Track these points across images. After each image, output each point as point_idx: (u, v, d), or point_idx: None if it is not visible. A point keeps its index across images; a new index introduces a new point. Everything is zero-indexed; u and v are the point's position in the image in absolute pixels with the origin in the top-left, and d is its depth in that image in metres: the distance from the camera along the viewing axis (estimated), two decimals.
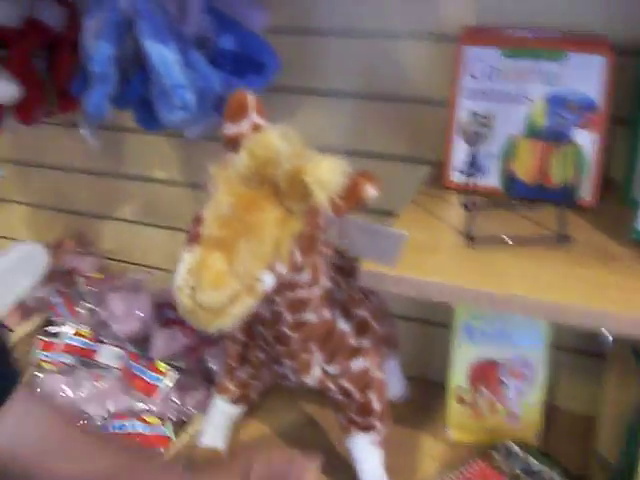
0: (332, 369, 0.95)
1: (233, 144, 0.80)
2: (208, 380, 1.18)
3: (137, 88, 1.02)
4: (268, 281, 0.77)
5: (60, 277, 1.41)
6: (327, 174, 0.73)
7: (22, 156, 1.52)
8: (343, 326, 0.94)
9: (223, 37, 1.10)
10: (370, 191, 0.77)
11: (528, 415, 1.12)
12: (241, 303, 0.75)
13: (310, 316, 0.89)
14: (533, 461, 1.05)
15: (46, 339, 1.26)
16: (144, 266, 1.47)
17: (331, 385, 0.97)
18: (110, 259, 1.51)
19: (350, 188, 0.76)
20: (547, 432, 1.13)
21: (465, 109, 0.98)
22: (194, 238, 0.76)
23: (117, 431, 1.07)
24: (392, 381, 1.16)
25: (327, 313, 0.91)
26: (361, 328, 0.97)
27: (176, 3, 1.05)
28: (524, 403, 1.11)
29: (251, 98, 0.83)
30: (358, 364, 0.96)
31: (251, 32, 1.10)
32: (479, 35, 0.99)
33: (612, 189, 0.98)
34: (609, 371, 1.02)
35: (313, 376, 0.95)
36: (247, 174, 0.76)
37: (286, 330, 0.90)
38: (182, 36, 1.05)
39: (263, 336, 0.94)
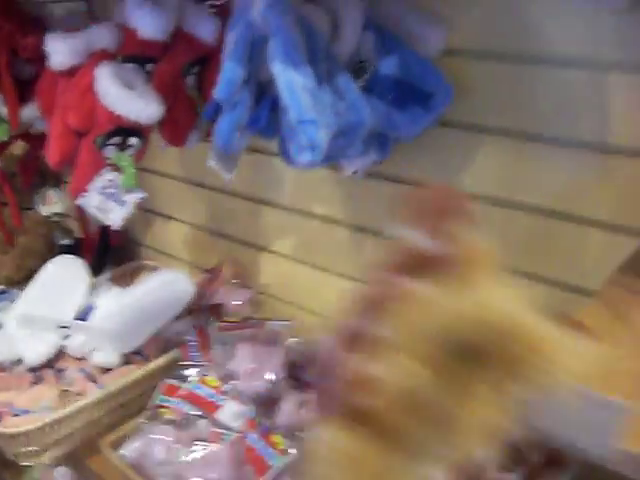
0: None
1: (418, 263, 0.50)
2: None
3: (262, 115, 0.86)
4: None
5: (204, 312, 1.30)
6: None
7: (187, 174, 1.44)
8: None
9: (385, 60, 0.91)
10: None
11: None
12: None
13: None
14: None
15: (170, 382, 1.14)
16: (296, 306, 1.32)
17: None
18: (262, 293, 1.38)
19: None
20: None
21: None
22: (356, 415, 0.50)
23: None
24: None
25: None
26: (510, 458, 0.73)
27: (328, 19, 0.88)
28: None
29: (458, 199, 0.53)
30: None
31: (418, 55, 0.90)
32: None
33: None
34: None
35: None
36: (452, 336, 0.48)
37: None
38: (332, 57, 0.87)
39: None
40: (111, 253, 1.56)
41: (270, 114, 0.86)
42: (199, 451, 1.01)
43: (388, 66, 0.91)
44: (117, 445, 1.08)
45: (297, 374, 1.10)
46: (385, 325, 0.49)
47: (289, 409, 1.04)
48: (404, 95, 0.91)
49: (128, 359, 1.26)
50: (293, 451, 0.98)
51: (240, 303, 1.31)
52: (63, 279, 1.30)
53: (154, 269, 1.47)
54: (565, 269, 0.93)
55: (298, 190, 1.26)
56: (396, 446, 0.48)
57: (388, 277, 0.50)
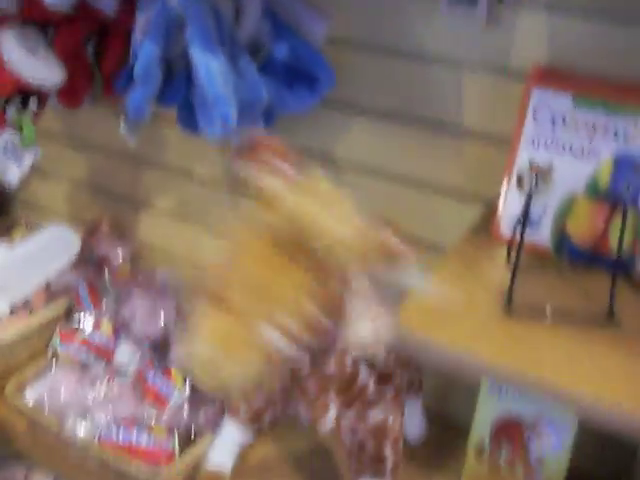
0: (348, 418, 0.91)
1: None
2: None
3: (180, 90, 0.97)
4: (275, 338, 0.71)
5: (90, 264, 1.38)
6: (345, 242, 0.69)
7: (69, 133, 1.49)
8: (365, 376, 0.90)
9: (277, 45, 1.04)
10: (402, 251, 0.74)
11: None
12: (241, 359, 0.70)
13: (330, 365, 0.85)
14: None
15: (66, 330, 1.24)
16: (175, 260, 1.43)
17: (345, 433, 0.92)
18: (143, 248, 1.48)
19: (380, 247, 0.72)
20: None
21: (525, 156, 0.90)
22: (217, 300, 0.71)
23: (120, 439, 1.05)
24: (412, 423, 1.11)
25: (349, 362, 0.87)
26: (383, 378, 0.92)
27: (232, 6, 1.00)
28: (546, 468, 1.04)
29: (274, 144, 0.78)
30: (375, 415, 0.91)
31: (306, 43, 1.05)
32: (550, 77, 0.90)
33: None
34: None
35: (327, 423, 0.91)
36: (275, 233, 0.71)
37: (303, 376, 0.85)
38: (235, 41, 0.99)
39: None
40: None
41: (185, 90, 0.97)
42: (101, 391, 1.12)
43: (280, 51, 1.04)
44: (18, 390, 1.15)
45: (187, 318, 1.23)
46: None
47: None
48: (293, 77, 1.05)
49: (14, 310, 1.32)
50: (189, 386, 1.11)
51: (122, 256, 1.41)
52: None
53: (32, 224, 1.52)
54: (424, 229, 1.12)
55: (180, 152, 1.36)
56: (241, 317, 0.69)
57: None
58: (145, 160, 1.41)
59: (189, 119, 1.02)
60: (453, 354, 0.74)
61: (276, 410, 0.99)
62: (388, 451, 0.93)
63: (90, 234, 1.45)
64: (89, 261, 1.39)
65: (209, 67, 0.90)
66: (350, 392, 0.88)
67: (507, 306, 0.79)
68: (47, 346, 1.25)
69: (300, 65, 1.05)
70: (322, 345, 0.79)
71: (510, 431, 1.05)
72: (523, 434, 1.04)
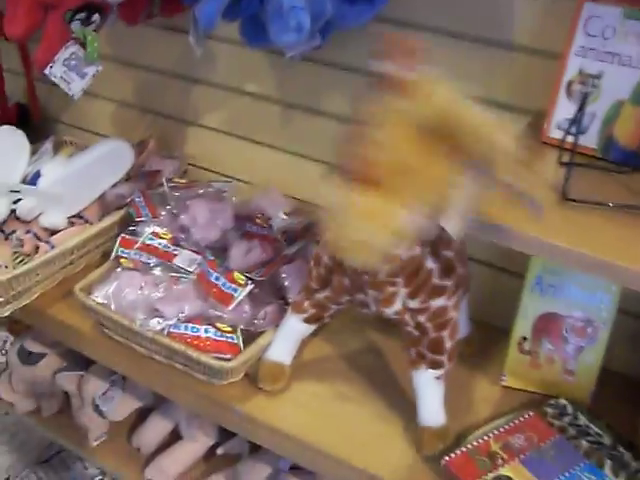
0: (413, 304, 0.98)
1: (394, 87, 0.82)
2: (280, 296, 1.22)
3: (253, 4, 1.02)
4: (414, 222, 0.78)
5: (143, 177, 1.44)
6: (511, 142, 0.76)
7: (116, 53, 1.54)
8: (430, 264, 0.97)
9: None
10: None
11: (584, 374, 1.14)
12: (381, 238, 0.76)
13: (401, 251, 0.91)
14: (585, 422, 1.08)
15: (126, 236, 1.29)
16: (224, 175, 1.50)
17: (409, 319, 1.00)
18: (191, 165, 1.54)
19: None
20: (600, 394, 1.14)
21: (575, 66, 0.97)
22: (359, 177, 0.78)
23: (188, 332, 1.12)
24: (460, 321, 1.18)
25: (417, 250, 0.94)
26: (446, 268, 0.99)
27: None
28: (582, 361, 1.13)
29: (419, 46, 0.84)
30: (438, 302, 0.99)
31: None
32: None
33: None
34: None
35: (394, 309, 0.99)
36: (421, 122, 0.76)
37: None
38: None
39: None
40: (29, 129, 1.63)
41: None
42: (165, 290, 1.19)
43: None
44: (84, 293, 1.21)
45: (243, 226, 1.30)
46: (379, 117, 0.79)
47: (238, 255, 1.24)
48: None
49: (70, 222, 1.38)
50: (250, 286, 1.18)
51: (173, 171, 1.47)
52: (4, 147, 1.39)
53: (79, 144, 1.57)
54: None
55: (229, 69, 1.41)
56: (388, 196, 0.76)
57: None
58: (192, 78, 1.46)
59: (255, 31, 1.08)
60: (511, 232, 0.81)
61: (339, 304, 1.07)
62: (447, 340, 1.01)
63: (138, 152, 1.50)
64: (142, 173, 1.45)
65: None
66: (417, 279, 0.96)
67: (563, 197, 0.86)
68: (107, 255, 1.30)
69: None
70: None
71: (550, 327, 1.13)
72: (562, 330, 1.13)
